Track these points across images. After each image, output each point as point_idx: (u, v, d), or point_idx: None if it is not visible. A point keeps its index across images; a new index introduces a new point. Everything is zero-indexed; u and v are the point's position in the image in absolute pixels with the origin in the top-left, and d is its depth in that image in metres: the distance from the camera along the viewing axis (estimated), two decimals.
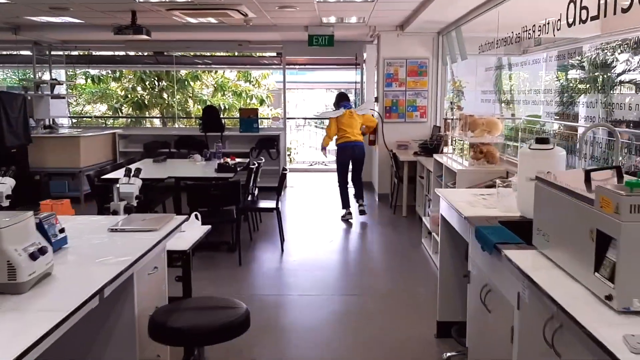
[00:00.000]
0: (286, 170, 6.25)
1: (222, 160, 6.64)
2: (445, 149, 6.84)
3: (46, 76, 9.78)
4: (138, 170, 3.36)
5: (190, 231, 3.44)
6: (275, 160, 9.50)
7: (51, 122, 9.14)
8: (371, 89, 9.79)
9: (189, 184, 5.14)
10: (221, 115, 14.12)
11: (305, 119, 14.17)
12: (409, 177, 7.49)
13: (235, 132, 9.53)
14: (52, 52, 10.06)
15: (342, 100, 7.74)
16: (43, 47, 9.43)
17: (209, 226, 3.62)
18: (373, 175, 9.46)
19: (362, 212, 7.59)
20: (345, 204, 7.64)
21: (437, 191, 3.85)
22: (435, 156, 6.01)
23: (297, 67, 12.09)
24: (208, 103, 14.24)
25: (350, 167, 7.69)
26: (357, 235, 6.69)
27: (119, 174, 6.02)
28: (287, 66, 11.09)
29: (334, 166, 7.97)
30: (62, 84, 9.48)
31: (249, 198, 6.45)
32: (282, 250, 5.99)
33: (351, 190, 7.78)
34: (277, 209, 5.99)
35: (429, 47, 8.36)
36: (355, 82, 9.81)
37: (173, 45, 9.66)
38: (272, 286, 4.94)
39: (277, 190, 6.05)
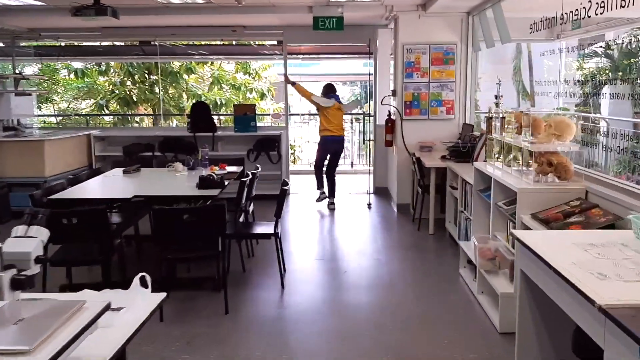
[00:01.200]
0: (287, 185, 4.94)
1: (207, 171, 5.36)
2: (482, 154, 5.54)
3: (31, 71, 8.51)
4: (42, 219, 2.06)
5: (133, 308, 2.16)
6: (276, 164, 8.20)
7: (15, 123, 7.86)
8: (385, 82, 8.47)
9: (156, 208, 3.86)
10: (215, 112, 12.99)
11: (310, 114, 12.81)
12: (436, 186, 6.19)
13: (230, 131, 8.24)
14: (20, 43, 8.79)
15: (330, 91, 7.81)
16: (3, 35, 8.14)
17: (164, 294, 2.33)
18: (390, 182, 8.15)
19: (331, 209, 7.70)
20: (320, 184, 7.97)
21: (517, 235, 2.55)
22: (477, 165, 4.71)
23: (300, 57, 10.72)
24: (202, 98, 13.00)
25: (327, 160, 7.85)
26: (376, 263, 5.39)
27: (80, 190, 4.75)
28: (289, 56, 9.79)
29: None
30: (28, 79, 8.18)
31: (242, 218, 5.16)
32: (283, 286, 4.71)
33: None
34: (275, 234, 4.70)
35: (456, 30, 7.03)
36: (369, 74, 8.47)
37: (156, 33, 8.36)
38: (266, 349, 3.65)
39: (276, 212, 4.75)
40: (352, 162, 11.24)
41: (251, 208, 5.74)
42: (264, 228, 4.89)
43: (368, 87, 10.19)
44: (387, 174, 8.53)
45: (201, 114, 8.13)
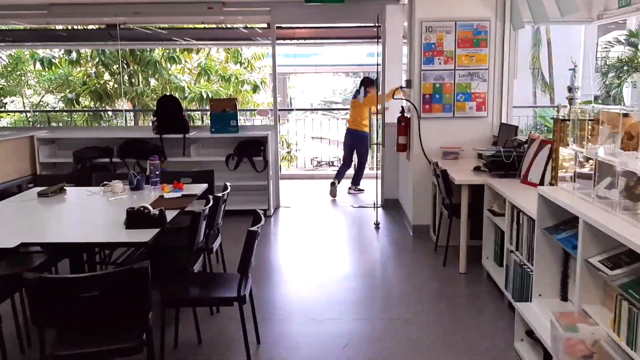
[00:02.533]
0: (260, 221, 3.34)
1: (156, 191, 3.83)
2: (536, 168, 4.02)
3: None
4: None
5: None
6: (262, 173, 6.65)
7: None
8: (395, 72, 6.90)
9: (29, 278, 2.32)
10: (199, 108, 11.45)
11: (306, 110, 11.26)
12: (468, 207, 4.64)
13: (207, 132, 6.69)
14: None
15: (361, 85, 7.75)
16: None
17: None
18: (403, 196, 6.59)
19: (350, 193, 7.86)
20: (337, 177, 7.94)
21: None
22: (544, 191, 3.14)
23: (293, 41, 9.11)
24: (187, 92, 11.46)
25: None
26: (390, 326, 3.83)
27: None
28: (280, 42, 8.23)
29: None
30: None
31: (196, 266, 3.61)
32: None
33: None
34: (240, 298, 3.11)
35: (490, 3, 5.45)
36: (377, 65, 6.90)
37: (115, 10, 6.80)
38: None
39: (240, 265, 3.15)
40: (354, 165, 9.65)
41: (216, 245, 4.19)
42: (228, 287, 3.32)
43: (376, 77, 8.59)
44: (398, 184, 6.98)
45: (170, 110, 6.58)
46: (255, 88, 12.34)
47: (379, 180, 7.00)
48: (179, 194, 3.93)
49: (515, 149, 4.47)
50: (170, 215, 3.34)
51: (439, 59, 5.51)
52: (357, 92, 7.78)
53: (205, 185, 4.31)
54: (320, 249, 5.50)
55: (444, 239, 5.07)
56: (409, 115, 5.89)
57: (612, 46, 16.56)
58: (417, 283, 4.51)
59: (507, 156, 4.43)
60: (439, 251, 5.16)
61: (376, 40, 6.92)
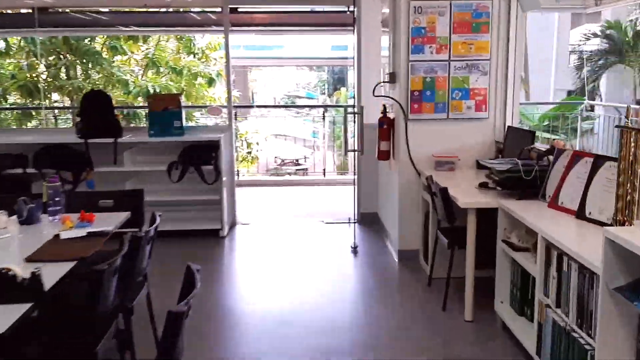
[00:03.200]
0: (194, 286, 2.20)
1: (55, 227, 2.67)
2: (564, 189, 3.04)
3: None
4: None
5: None
6: (212, 186, 5.48)
7: None
8: (372, 65, 5.84)
9: None
10: (134, 105, 10.20)
11: (268, 107, 10.16)
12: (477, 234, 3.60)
13: (145, 135, 5.48)
14: None
15: None
16: None
17: None
18: (386, 214, 5.54)
19: None
20: None
21: None
22: (621, 234, 2.11)
23: (251, 28, 7.91)
24: (131, 86, 10.16)
25: None
26: None
27: None
28: (234, 28, 7.08)
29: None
30: None
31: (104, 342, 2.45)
32: None
33: None
34: None
35: None
36: (354, 58, 5.81)
37: None
38: None
39: None
40: (324, 170, 8.57)
41: (144, 293, 3.04)
42: None
43: (347, 71, 7.48)
44: (376, 194, 5.93)
45: (98, 109, 5.36)
46: (210, 81, 11.11)
47: (355, 190, 5.94)
48: (83, 231, 2.77)
49: (538, 162, 3.45)
50: (61, 270, 2.19)
51: (430, 47, 4.46)
52: None
53: (125, 215, 3.15)
54: (283, 284, 4.40)
55: (440, 271, 4.05)
56: (392, 116, 4.83)
57: (588, 39, 15.90)
58: (414, 338, 3.45)
59: (527, 171, 3.41)
60: (435, 287, 4.12)
61: (350, 27, 5.88)
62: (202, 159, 5.38)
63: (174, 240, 5.23)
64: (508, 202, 3.34)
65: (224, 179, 5.50)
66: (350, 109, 6.14)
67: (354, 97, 6.04)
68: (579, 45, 16.24)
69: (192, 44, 11.28)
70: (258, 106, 10.34)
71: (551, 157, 3.43)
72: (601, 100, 15.89)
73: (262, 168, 12.22)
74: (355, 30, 5.87)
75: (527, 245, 3.20)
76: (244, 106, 10.63)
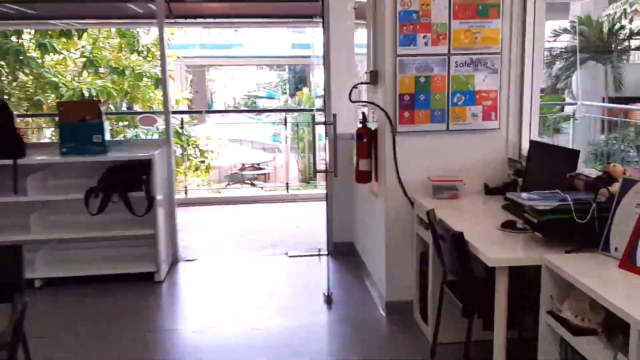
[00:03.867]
0: None
1: None
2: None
3: None
4: None
5: None
6: (143, 218, 4.28)
7: None
8: (343, 66, 4.76)
9: None
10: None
11: (222, 112, 8.97)
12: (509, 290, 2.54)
13: (56, 153, 4.24)
14: None
15: None
16: None
17: None
18: (368, 252, 4.46)
19: None
20: None
21: None
22: None
23: (199, 21, 6.67)
24: (62, 90, 8.83)
25: None
26: None
27: None
28: (182, 21, 5.92)
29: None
30: None
31: None
32: None
33: None
34: None
35: None
36: (323, 55, 4.74)
37: None
38: None
39: None
40: (287, 185, 7.43)
41: None
42: None
43: (309, 70, 6.39)
44: (353, 219, 4.85)
45: None
46: (157, 82, 9.85)
47: (327, 216, 4.85)
48: None
49: (595, 198, 2.41)
50: None
51: (424, 37, 3.39)
52: None
53: None
54: (233, 354, 3.26)
55: (446, 334, 3.00)
56: (375, 127, 3.75)
57: (558, 35, 15.18)
58: None
59: (580, 211, 2.37)
60: (441, 357, 3.06)
61: (317, 20, 4.82)
62: (129, 183, 4.18)
63: (91, 289, 4.06)
64: (557, 258, 2.29)
65: (160, 208, 4.32)
66: (319, 117, 5.03)
67: (321, 98, 4.95)
68: (548, 42, 15.51)
69: (135, 41, 10.01)
70: (207, 111, 9.13)
71: (608, 189, 2.41)
72: (572, 99, 15.23)
73: (219, 175, 11.02)
74: (324, 22, 4.78)
75: (591, 324, 2.16)
76: (181, 112, 9.39)
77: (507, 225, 2.74)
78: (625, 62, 14.33)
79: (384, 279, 3.64)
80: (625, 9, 9.65)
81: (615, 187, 2.48)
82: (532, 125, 3.46)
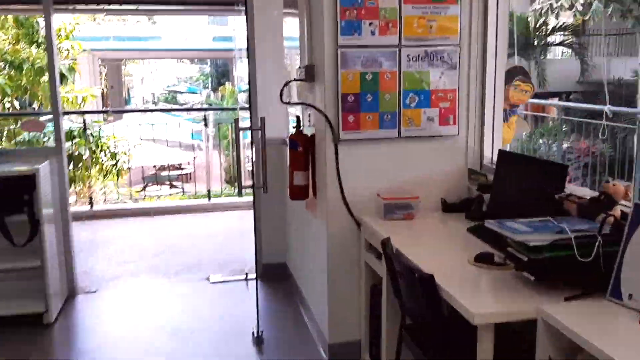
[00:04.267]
0: None
1: None
2: None
3: None
4: None
5: None
6: (25, 248, 3.45)
7: None
8: (268, 60, 4.11)
9: None
10: None
11: (128, 111, 8.11)
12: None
13: None
14: None
15: None
16: None
17: None
18: (306, 280, 3.83)
19: None
20: None
21: None
22: None
23: (100, 7, 5.74)
24: None
25: None
26: None
27: None
28: (79, 6, 5.06)
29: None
30: None
31: None
32: None
33: None
34: None
35: None
36: (247, 47, 4.06)
37: None
38: None
39: None
40: (209, 192, 6.67)
41: None
42: None
43: (232, 64, 5.71)
44: (285, 236, 4.22)
45: None
46: (62, 78, 8.77)
47: (255, 237, 4.19)
48: None
49: (601, 229, 1.89)
50: None
51: (370, 24, 2.80)
52: None
53: None
54: None
55: None
56: (313, 133, 3.13)
57: None
58: None
59: (584, 246, 1.85)
60: None
61: (240, 7, 4.18)
62: (7, 205, 3.34)
63: None
64: (556, 310, 1.75)
65: (48, 232, 3.51)
66: (243, 119, 4.35)
67: (246, 93, 4.29)
68: None
69: (35, 32, 8.89)
70: (115, 111, 8.24)
71: (615, 217, 1.91)
72: None
73: (133, 179, 10.03)
74: (247, 10, 4.11)
75: None
76: (89, 112, 8.43)
77: (482, 259, 2.19)
78: (547, 57, 14.46)
79: (326, 317, 3.03)
80: (551, 4, 9.58)
81: (617, 212, 1.99)
82: (496, 130, 2.95)
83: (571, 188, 2.21)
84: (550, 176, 2.29)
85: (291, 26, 4.17)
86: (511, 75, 3.31)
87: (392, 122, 2.88)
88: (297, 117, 3.20)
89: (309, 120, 3.21)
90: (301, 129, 3.16)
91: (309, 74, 3.04)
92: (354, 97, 2.84)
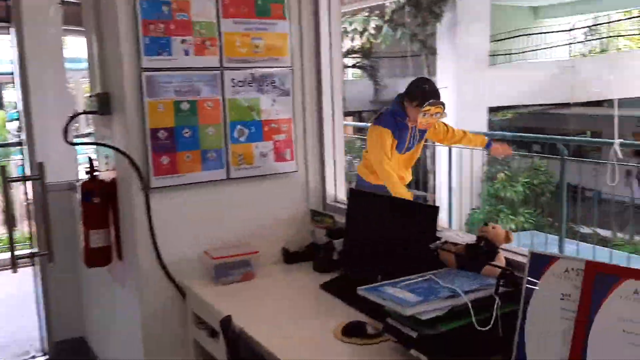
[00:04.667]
0: None
1: None
2: None
3: None
4: None
5: None
6: None
7: None
8: (49, 85, 3.31)
9: None
10: None
11: None
12: None
13: None
14: None
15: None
16: None
17: None
18: (107, 348, 3.04)
19: None
20: None
21: None
22: None
23: None
24: None
25: None
26: None
27: None
28: None
29: None
30: None
31: None
32: None
33: None
34: None
35: None
36: (15, 72, 3.18)
37: None
38: None
39: None
40: None
41: None
42: None
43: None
44: (81, 301, 3.38)
45: None
46: None
47: (42, 309, 3.28)
48: None
49: (498, 286, 1.56)
50: None
51: (182, 41, 2.23)
52: (400, 112, 3.52)
53: None
54: None
55: None
56: (111, 178, 2.43)
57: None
58: None
59: (481, 310, 1.51)
60: None
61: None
62: None
63: None
64: None
65: None
66: (15, 163, 3.42)
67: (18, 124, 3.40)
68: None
69: None
70: None
71: (510, 271, 1.61)
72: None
73: None
74: (17, 28, 3.25)
75: None
76: None
77: (353, 332, 1.76)
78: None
79: None
80: (345, 28, 9.85)
81: (502, 259, 1.70)
82: (338, 164, 2.57)
83: (446, 234, 1.88)
84: (418, 219, 1.94)
85: (76, 46, 3.42)
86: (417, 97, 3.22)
87: (218, 161, 2.33)
88: (90, 160, 2.47)
89: (106, 163, 2.51)
90: (96, 174, 2.44)
91: (104, 104, 2.35)
92: (167, 132, 2.23)
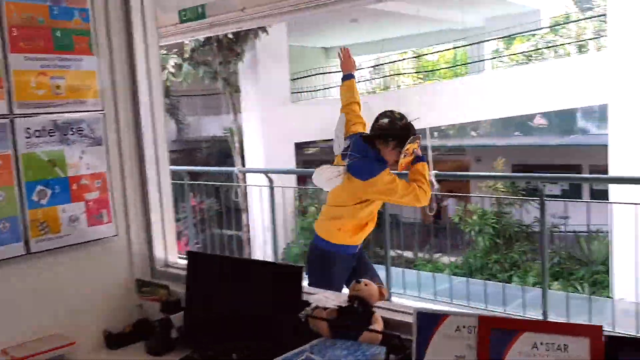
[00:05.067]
0: None
1: None
2: None
3: None
4: None
5: None
6: None
7: None
8: None
9: None
10: None
11: None
12: None
13: None
14: None
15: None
16: None
17: None
18: None
19: None
20: None
21: None
22: None
23: None
24: None
25: None
26: None
27: None
28: None
29: None
30: None
31: None
32: None
33: None
34: None
35: None
36: None
37: None
38: None
39: None
40: None
41: None
42: None
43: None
44: None
45: None
46: None
47: None
48: None
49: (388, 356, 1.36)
50: None
51: None
52: (379, 157, 3.01)
53: None
54: None
55: None
56: None
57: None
58: None
59: None
60: None
61: None
62: None
63: None
64: None
65: None
66: None
67: None
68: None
69: None
70: None
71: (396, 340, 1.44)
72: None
73: None
74: None
75: None
76: None
77: None
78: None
79: None
80: (164, 66, 9.11)
81: (380, 323, 1.53)
82: (167, 221, 2.20)
83: (312, 298, 1.64)
84: (278, 283, 1.68)
85: None
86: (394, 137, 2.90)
87: (13, 232, 1.82)
88: None
89: None
90: None
91: None
92: None
